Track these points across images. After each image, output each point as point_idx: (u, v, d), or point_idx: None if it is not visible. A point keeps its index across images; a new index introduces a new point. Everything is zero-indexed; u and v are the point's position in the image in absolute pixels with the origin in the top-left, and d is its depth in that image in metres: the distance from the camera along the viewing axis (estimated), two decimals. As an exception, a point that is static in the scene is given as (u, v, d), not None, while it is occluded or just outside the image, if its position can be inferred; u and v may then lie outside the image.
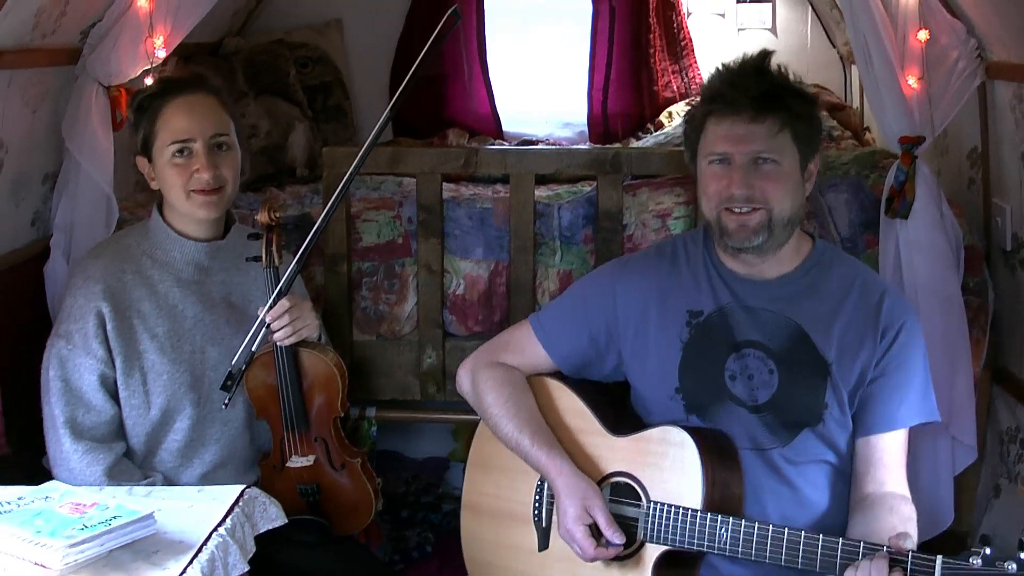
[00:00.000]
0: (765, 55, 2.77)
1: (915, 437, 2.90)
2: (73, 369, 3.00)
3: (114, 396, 3.05)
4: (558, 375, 3.00)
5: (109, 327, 3.02)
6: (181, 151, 3.05)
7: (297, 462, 3.16)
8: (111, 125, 3.64)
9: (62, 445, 2.96)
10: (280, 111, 5.07)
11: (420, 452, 5.06)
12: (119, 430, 3.07)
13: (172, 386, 3.08)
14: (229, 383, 3.05)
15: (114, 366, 3.04)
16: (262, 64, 5.20)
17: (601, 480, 2.80)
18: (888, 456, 2.76)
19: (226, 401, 3.06)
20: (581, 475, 2.76)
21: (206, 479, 3.11)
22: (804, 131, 2.72)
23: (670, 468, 2.68)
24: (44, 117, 3.62)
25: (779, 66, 2.76)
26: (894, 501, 2.70)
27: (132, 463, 3.06)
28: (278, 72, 5.22)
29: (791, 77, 2.78)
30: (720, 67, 2.81)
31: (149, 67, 3.67)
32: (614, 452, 2.80)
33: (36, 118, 3.58)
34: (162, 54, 3.67)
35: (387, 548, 4.33)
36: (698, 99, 2.87)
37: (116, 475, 2.96)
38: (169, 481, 3.08)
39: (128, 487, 2.80)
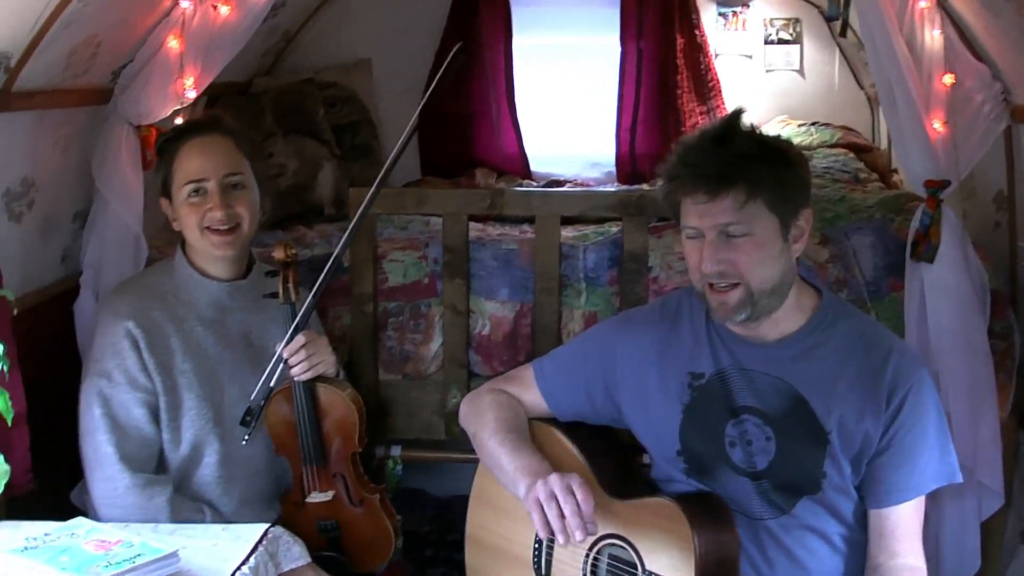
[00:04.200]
0: (729, 124, 2.63)
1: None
2: (120, 405, 3.02)
3: (159, 426, 3.09)
4: (561, 424, 2.99)
5: (146, 359, 3.05)
6: (196, 191, 3.11)
7: (316, 498, 3.17)
8: (141, 164, 3.67)
9: (117, 483, 2.98)
10: (308, 150, 5.09)
11: (444, 491, 5.05)
12: (164, 462, 3.11)
13: (199, 421, 3.10)
14: (248, 419, 3.09)
15: (157, 395, 3.06)
16: (291, 103, 5.24)
17: (597, 540, 2.78)
18: (901, 527, 2.68)
19: (246, 437, 3.09)
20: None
21: (233, 518, 3.12)
22: (776, 197, 2.57)
23: (664, 541, 2.65)
24: (74, 156, 3.65)
25: (752, 126, 2.64)
26: None
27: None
28: (306, 111, 5.26)
29: (760, 140, 2.64)
30: (678, 144, 2.68)
31: (179, 107, 3.71)
32: (610, 513, 2.77)
33: (66, 157, 3.61)
34: (192, 94, 3.70)
35: (411, 587, 4.33)
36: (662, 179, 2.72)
37: (178, 507, 3.00)
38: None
39: (154, 524, 2.81)
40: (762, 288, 2.59)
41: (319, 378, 3.16)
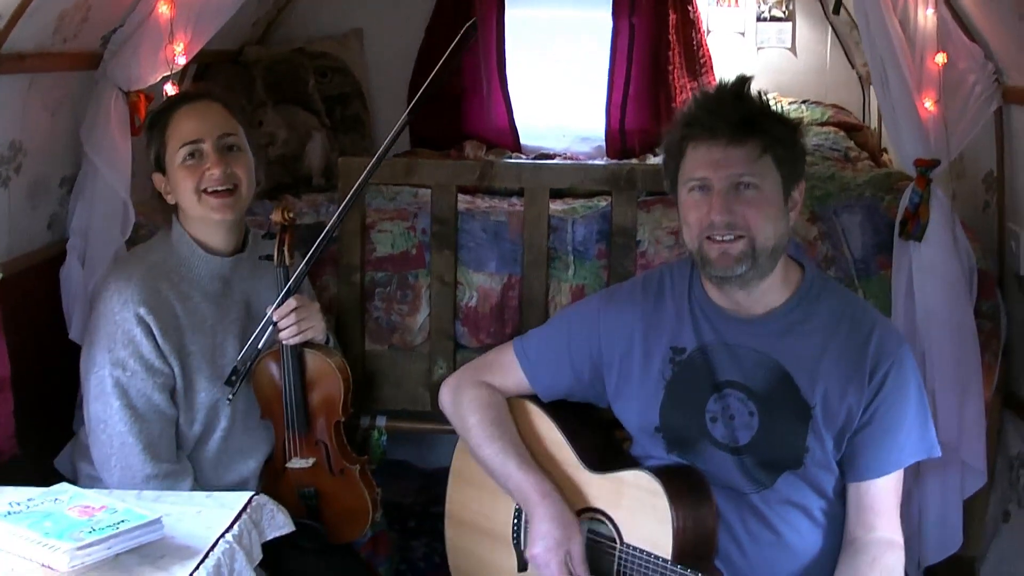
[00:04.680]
0: (744, 80, 2.68)
1: (924, 460, 2.87)
2: (139, 394, 2.98)
3: (176, 406, 3.07)
4: (538, 399, 2.99)
5: (161, 344, 3.01)
6: (192, 154, 3.07)
7: (297, 464, 3.17)
8: (129, 130, 3.65)
9: (135, 472, 2.96)
10: (298, 120, 5.07)
11: (429, 462, 5.05)
12: (181, 438, 3.10)
13: (208, 400, 3.10)
14: (233, 378, 3.08)
15: (174, 378, 3.04)
16: (281, 73, 5.21)
17: (576, 515, 2.80)
18: (879, 501, 2.70)
19: (230, 396, 3.08)
20: (566, 506, 2.75)
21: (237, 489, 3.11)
22: (786, 156, 2.63)
23: (642, 513, 2.67)
24: (63, 121, 3.64)
25: (760, 92, 2.68)
26: (878, 551, 2.66)
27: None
28: (297, 81, 5.23)
29: (772, 103, 2.71)
30: (697, 94, 2.76)
31: (169, 74, 3.68)
32: (589, 488, 2.80)
33: (55, 122, 3.59)
34: (182, 61, 3.68)
35: (395, 558, 4.32)
36: (676, 127, 2.75)
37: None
38: None
39: (138, 492, 2.80)
40: (764, 245, 2.60)
41: (308, 344, 3.15)
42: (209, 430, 3.12)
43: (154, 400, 3.00)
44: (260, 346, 3.10)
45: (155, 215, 3.74)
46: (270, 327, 3.10)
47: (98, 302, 3.08)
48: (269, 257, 3.13)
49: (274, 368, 3.15)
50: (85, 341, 3.09)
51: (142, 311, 2.98)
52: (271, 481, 3.20)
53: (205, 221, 3.12)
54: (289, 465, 3.17)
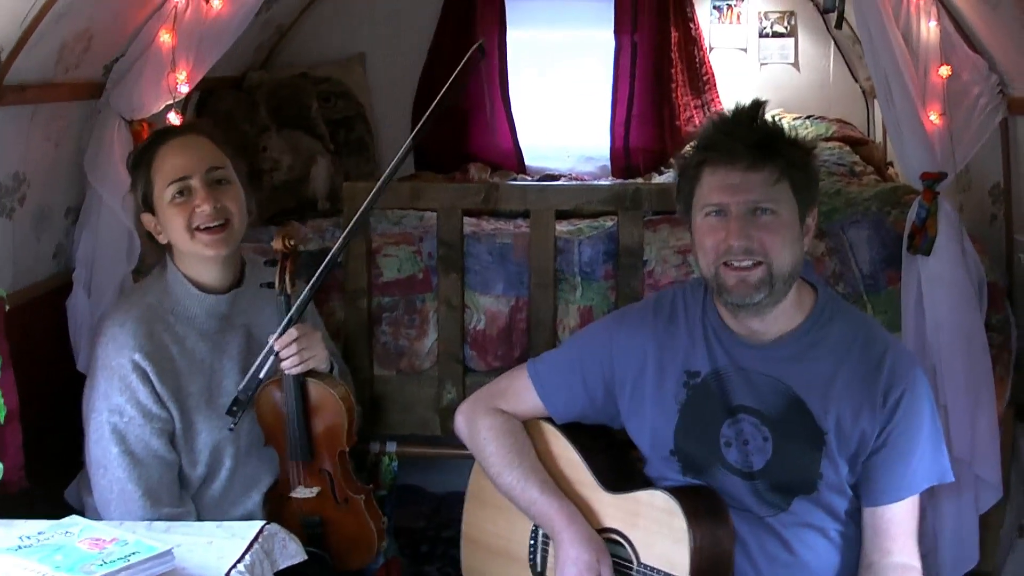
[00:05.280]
0: (758, 105, 2.65)
1: (938, 480, 2.85)
2: (137, 440, 2.95)
3: (177, 450, 3.04)
4: (554, 420, 2.97)
5: (158, 389, 2.97)
6: (180, 192, 3.01)
7: (301, 493, 3.13)
8: (133, 160, 3.65)
9: (136, 519, 2.90)
10: (302, 145, 5.08)
11: (440, 487, 5.03)
12: (185, 480, 3.07)
13: (210, 440, 3.06)
14: (235, 408, 3.04)
15: (173, 422, 3.01)
16: (285, 98, 5.22)
17: None
18: (895, 525, 2.67)
19: (231, 426, 3.04)
20: (592, 528, 2.74)
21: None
22: (802, 181, 2.60)
23: (659, 533, 2.65)
24: (66, 151, 3.63)
25: (774, 116, 2.68)
26: (896, 575, 2.65)
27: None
28: (301, 106, 5.25)
29: (786, 128, 2.68)
30: (714, 117, 2.74)
31: (172, 102, 3.67)
32: (605, 508, 2.78)
33: (58, 152, 3.59)
34: (185, 89, 3.68)
35: (407, 583, 4.31)
36: (691, 149, 2.74)
37: None
38: None
39: (148, 523, 2.79)
40: (781, 270, 2.57)
41: (311, 373, 3.12)
42: (214, 471, 3.09)
43: (152, 446, 2.97)
44: (262, 376, 3.07)
45: (149, 255, 3.71)
46: (271, 356, 3.06)
47: (95, 346, 3.05)
48: (270, 285, 3.09)
49: (277, 396, 3.12)
50: (86, 382, 3.06)
51: (137, 357, 2.95)
52: (275, 508, 3.17)
53: (199, 258, 3.07)
54: (293, 495, 3.14)
